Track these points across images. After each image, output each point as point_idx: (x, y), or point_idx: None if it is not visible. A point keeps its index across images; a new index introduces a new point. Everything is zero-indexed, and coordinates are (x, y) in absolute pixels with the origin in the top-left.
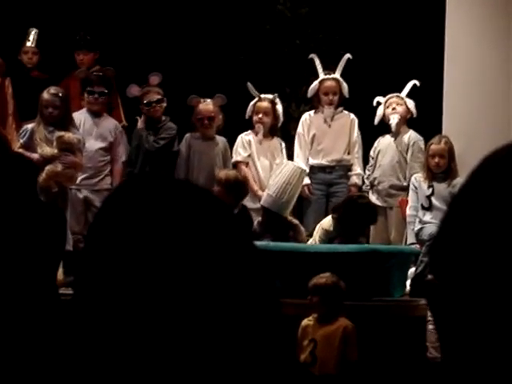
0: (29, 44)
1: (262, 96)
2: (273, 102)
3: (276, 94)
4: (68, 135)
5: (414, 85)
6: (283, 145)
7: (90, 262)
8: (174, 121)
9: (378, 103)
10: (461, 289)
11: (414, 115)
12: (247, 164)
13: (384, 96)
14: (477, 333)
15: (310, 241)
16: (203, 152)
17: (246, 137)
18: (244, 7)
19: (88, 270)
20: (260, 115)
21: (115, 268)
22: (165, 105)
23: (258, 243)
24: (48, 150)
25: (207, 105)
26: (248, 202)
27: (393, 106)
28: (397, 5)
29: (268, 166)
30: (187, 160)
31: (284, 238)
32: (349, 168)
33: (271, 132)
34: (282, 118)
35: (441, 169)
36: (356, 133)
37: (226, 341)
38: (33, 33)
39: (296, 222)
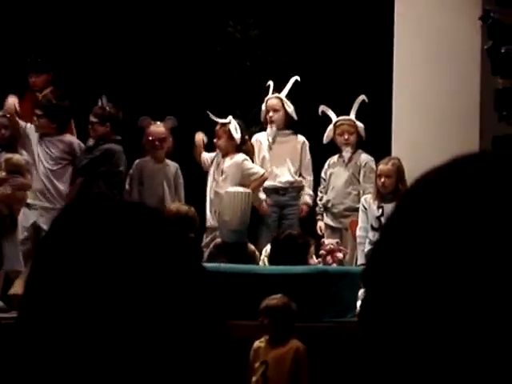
0: None
1: (220, 121)
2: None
3: (230, 117)
4: (16, 157)
5: (363, 101)
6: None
7: (36, 282)
8: (125, 143)
9: (323, 113)
10: (389, 317)
11: (364, 139)
12: None
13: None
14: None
15: (260, 262)
16: (154, 175)
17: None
18: (195, 29)
19: (35, 289)
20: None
21: (63, 288)
22: (102, 128)
23: (209, 265)
24: None
25: (158, 127)
26: None
27: (345, 137)
28: (346, 26)
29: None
30: (138, 184)
31: (239, 260)
32: (300, 190)
33: (231, 151)
34: (237, 138)
35: (387, 189)
36: (308, 156)
37: (172, 364)
38: None
39: (252, 247)
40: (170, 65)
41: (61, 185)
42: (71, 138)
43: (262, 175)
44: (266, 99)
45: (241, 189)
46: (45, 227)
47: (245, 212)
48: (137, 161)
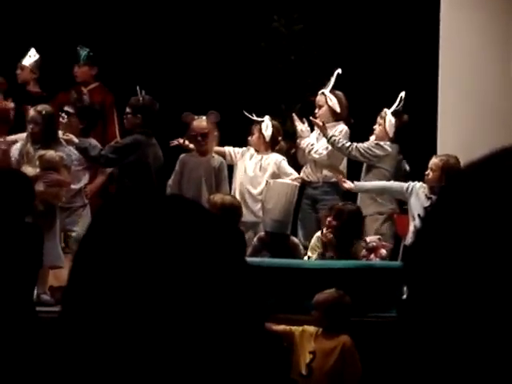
0: (24, 61)
1: (254, 119)
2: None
3: (267, 117)
4: (50, 153)
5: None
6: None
7: (81, 276)
8: (168, 137)
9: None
10: (431, 303)
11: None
12: None
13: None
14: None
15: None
16: (194, 169)
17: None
18: (239, 24)
19: (79, 284)
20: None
21: (107, 283)
22: (134, 119)
23: (253, 259)
24: (29, 170)
25: (201, 121)
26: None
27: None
28: (391, 21)
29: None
30: (180, 177)
31: (281, 253)
32: (333, 184)
33: (263, 148)
34: (267, 136)
35: (430, 182)
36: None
37: (213, 356)
38: (30, 51)
39: (295, 240)
40: (216, 59)
41: (75, 185)
42: (93, 142)
43: (295, 179)
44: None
45: (288, 180)
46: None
47: (289, 203)
48: (182, 155)
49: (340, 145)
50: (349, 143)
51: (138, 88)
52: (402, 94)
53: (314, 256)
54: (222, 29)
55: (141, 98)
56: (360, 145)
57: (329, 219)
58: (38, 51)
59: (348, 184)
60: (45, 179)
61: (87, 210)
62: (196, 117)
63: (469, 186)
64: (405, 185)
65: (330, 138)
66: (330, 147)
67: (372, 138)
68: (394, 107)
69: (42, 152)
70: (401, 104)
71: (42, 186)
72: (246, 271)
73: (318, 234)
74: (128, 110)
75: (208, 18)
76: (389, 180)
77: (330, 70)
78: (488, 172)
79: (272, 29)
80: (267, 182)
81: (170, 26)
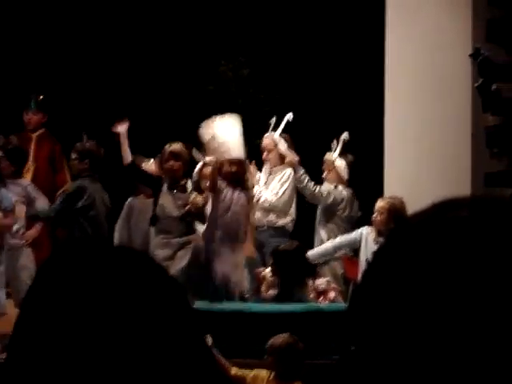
0: None
1: (207, 159)
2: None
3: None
4: None
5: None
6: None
7: (27, 326)
8: (114, 182)
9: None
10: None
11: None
12: None
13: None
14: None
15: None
16: (142, 211)
17: None
18: (187, 68)
19: (25, 333)
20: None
21: (53, 332)
22: (81, 165)
23: (202, 305)
24: None
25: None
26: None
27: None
28: (336, 63)
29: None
30: (128, 221)
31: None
32: (278, 227)
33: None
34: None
35: (378, 225)
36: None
37: None
38: None
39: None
40: (162, 103)
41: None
42: (26, 182)
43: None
44: (263, 137)
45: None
46: None
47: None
48: (129, 199)
49: (307, 186)
50: (312, 184)
51: (83, 133)
52: (345, 134)
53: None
54: (170, 72)
55: (87, 144)
56: (322, 188)
57: (271, 262)
58: None
59: None
60: None
61: (27, 250)
62: (145, 159)
63: (412, 236)
64: (354, 235)
65: (302, 175)
66: (279, 192)
67: (325, 183)
68: (338, 150)
69: None
70: (343, 145)
71: None
72: (190, 322)
73: (266, 272)
74: (74, 155)
75: (155, 60)
76: (344, 224)
77: (277, 113)
78: (429, 223)
79: (219, 73)
80: None
81: (120, 68)
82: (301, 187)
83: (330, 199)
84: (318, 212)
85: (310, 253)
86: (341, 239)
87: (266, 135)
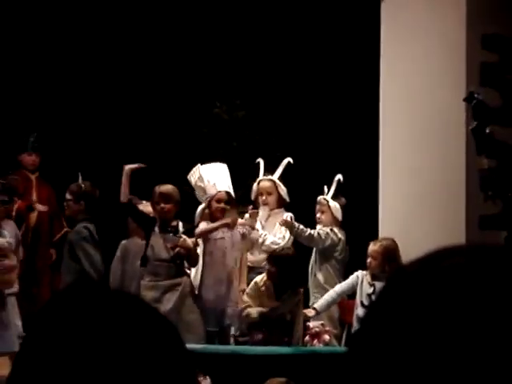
0: None
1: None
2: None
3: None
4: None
5: (339, 180)
6: None
7: (22, 373)
8: (108, 221)
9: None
10: None
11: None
12: None
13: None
14: None
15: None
16: (137, 252)
17: None
18: (181, 110)
19: (20, 377)
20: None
21: (48, 379)
22: (76, 206)
23: (197, 347)
24: None
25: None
26: None
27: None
28: (331, 106)
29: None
30: (123, 263)
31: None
32: None
33: None
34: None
35: (373, 270)
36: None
37: None
38: None
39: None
40: (157, 145)
41: None
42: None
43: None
44: (258, 180)
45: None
46: None
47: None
48: (123, 241)
49: (305, 234)
50: (309, 230)
51: (79, 174)
52: (338, 176)
53: (253, 311)
54: (165, 113)
55: (82, 185)
56: (320, 231)
57: (267, 267)
58: None
59: (311, 312)
60: None
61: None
62: (140, 201)
63: (409, 285)
64: (351, 280)
65: (298, 229)
66: (285, 236)
67: (318, 226)
68: (332, 192)
69: None
70: (337, 187)
71: None
72: (184, 366)
73: (257, 278)
74: (69, 196)
75: (150, 102)
76: (339, 265)
77: (273, 155)
78: (425, 272)
79: (214, 115)
80: None
81: (114, 111)
82: (299, 239)
83: (328, 241)
84: (314, 254)
85: (318, 305)
86: (342, 286)
87: (265, 178)
